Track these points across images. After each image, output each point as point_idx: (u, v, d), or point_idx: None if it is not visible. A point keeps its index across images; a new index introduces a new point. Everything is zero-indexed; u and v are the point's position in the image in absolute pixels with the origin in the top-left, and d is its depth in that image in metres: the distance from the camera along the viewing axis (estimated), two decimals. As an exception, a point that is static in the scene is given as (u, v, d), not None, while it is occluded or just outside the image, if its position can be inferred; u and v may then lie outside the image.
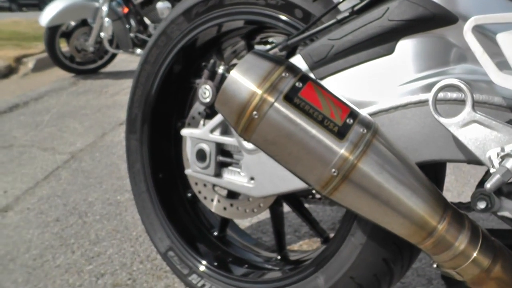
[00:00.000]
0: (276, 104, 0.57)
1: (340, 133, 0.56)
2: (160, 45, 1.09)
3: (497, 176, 0.53)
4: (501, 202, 0.64)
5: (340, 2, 0.75)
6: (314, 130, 0.56)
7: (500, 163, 0.54)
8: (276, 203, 0.98)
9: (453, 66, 0.65)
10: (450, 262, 0.60)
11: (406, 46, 0.67)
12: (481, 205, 0.63)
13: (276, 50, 0.78)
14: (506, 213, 0.64)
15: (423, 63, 0.66)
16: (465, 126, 0.58)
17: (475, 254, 0.60)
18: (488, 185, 0.53)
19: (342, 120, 0.56)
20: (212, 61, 0.94)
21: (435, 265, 0.64)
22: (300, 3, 0.85)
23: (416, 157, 0.65)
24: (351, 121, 0.57)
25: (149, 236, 1.17)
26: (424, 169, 0.64)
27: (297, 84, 0.58)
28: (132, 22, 4.16)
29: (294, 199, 1.00)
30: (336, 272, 0.80)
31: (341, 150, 0.56)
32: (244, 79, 0.60)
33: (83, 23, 4.26)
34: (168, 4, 3.81)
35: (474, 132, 0.58)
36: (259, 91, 0.58)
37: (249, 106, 0.58)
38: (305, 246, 1.34)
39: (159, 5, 3.88)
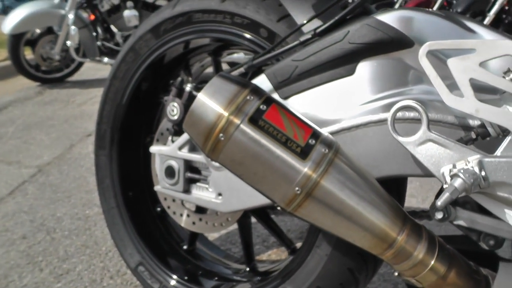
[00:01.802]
0: (241, 127, 0.60)
1: (303, 153, 0.59)
2: (129, 61, 1.10)
3: (446, 194, 0.56)
4: (457, 212, 0.68)
5: (304, 24, 0.78)
6: (278, 151, 0.59)
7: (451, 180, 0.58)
8: (243, 215, 0.99)
9: (411, 87, 0.69)
10: (410, 271, 0.64)
11: (366, 68, 0.70)
12: (439, 215, 0.67)
13: (241, 69, 0.81)
14: (461, 222, 0.68)
15: (383, 84, 0.69)
16: (421, 145, 0.62)
17: (432, 263, 0.63)
18: (439, 202, 0.57)
19: (305, 141, 0.59)
20: (179, 78, 0.96)
21: (396, 274, 0.68)
22: (265, 23, 0.88)
23: (377, 173, 0.69)
24: (314, 141, 0.60)
25: (119, 252, 1.17)
26: (386, 183, 0.68)
27: (261, 106, 0.61)
28: (99, 30, 4.12)
29: (261, 211, 1.02)
30: (303, 282, 0.83)
31: (304, 169, 0.59)
32: (210, 102, 0.63)
33: (49, 30, 4.18)
34: (135, 13, 3.79)
35: (429, 150, 0.61)
36: (225, 114, 0.61)
37: (215, 128, 0.61)
38: (273, 256, 1.36)
39: (126, 13, 3.85)
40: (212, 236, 1.44)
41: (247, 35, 0.90)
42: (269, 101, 0.62)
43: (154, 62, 1.06)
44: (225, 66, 1.24)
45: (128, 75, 1.10)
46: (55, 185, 1.98)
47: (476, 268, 0.68)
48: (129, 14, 3.89)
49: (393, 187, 0.78)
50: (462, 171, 0.56)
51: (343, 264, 0.80)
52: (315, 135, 0.61)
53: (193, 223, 0.99)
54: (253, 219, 1.09)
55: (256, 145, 0.60)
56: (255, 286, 0.95)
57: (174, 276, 1.06)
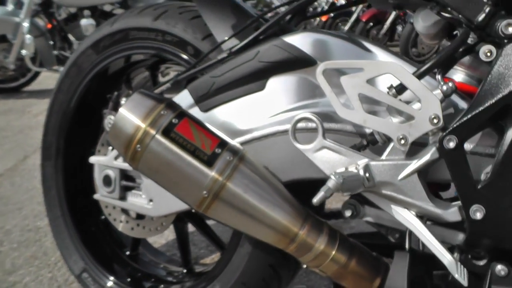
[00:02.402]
0: (155, 138, 0.68)
1: (209, 161, 0.68)
2: (72, 76, 1.17)
3: (321, 193, 0.65)
4: (365, 210, 0.78)
5: (222, 42, 0.87)
6: (187, 159, 0.68)
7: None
8: (179, 220, 1.08)
9: (316, 100, 0.78)
10: (313, 262, 0.74)
11: (275, 84, 0.79)
12: (348, 213, 0.77)
13: (168, 85, 0.89)
14: (369, 219, 0.78)
15: (290, 98, 0.78)
16: (317, 151, 0.71)
17: (333, 253, 0.73)
18: (315, 200, 0.66)
19: (211, 150, 0.68)
20: (115, 93, 1.03)
21: (304, 266, 0.77)
22: (191, 41, 0.97)
23: (285, 176, 0.78)
24: (220, 150, 0.69)
25: (64, 260, 1.22)
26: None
27: (173, 120, 0.70)
28: (56, 38, 4.11)
29: (195, 215, 1.10)
30: (229, 280, 0.91)
31: (210, 175, 0.68)
32: (130, 116, 0.71)
33: (3, 38, 4.09)
34: (92, 21, 3.80)
35: (324, 156, 0.71)
36: (142, 126, 0.69)
37: (134, 140, 0.69)
38: (216, 259, 1.44)
39: (83, 22, 3.85)
40: (159, 242, 1.51)
41: (177, 52, 0.99)
42: (181, 115, 0.71)
43: (96, 76, 1.14)
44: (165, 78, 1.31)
45: (71, 89, 1.16)
46: (6, 197, 2.00)
47: (377, 257, 0.78)
48: (86, 23, 3.89)
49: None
50: (343, 173, 0.65)
51: (265, 261, 0.88)
52: (222, 144, 0.70)
53: (132, 228, 1.06)
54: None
55: (169, 154, 0.68)
56: (188, 286, 1.03)
57: (115, 280, 1.12)
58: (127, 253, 1.20)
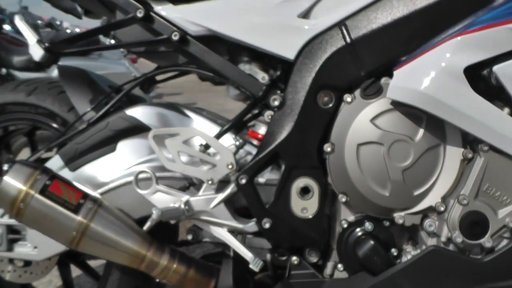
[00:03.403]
0: (35, 197, 1.09)
1: (75, 210, 1.10)
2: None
3: (149, 223, 1.12)
4: (202, 233, 1.24)
5: (84, 114, 1.30)
6: (60, 210, 1.09)
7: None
8: (63, 265, 1.50)
9: (153, 156, 1.23)
10: (160, 275, 1.17)
11: (123, 146, 1.24)
12: (190, 237, 1.23)
13: (42, 151, 1.31)
14: (206, 239, 1.25)
15: (134, 156, 1.24)
16: (153, 194, 1.16)
17: (174, 266, 1.17)
18: (144, 227, 1.11)
19: (76, 201, 1.11)
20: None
21: (157, 280, 1.22)
22: (59, 113, 1.40)
23: (136, 214, 1.22)
24: (83, 200, 1.11)
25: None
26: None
27: (47, 182, 1.11)
28: None
29: (76, 256, 1.51)
30: (106, 302, 1.34)
31: (77, 219, 1.10)
32: (13, 182, 1.12)
33: None
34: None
35: (159, 197, 1.16)
36: (24, 189, 1.10)
37: (17, 200, 1.10)
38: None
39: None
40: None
41: (48, 122, 1.43)
42: (53, 177, 1.13)
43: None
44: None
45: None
46: None
47: (210, 265, 1.24)
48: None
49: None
50: (163, 208, 1.11)
51: (131, 283, 1.32)
52: (84, 196, 1.13)
53: (20, 276, 1.44)
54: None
55: (45, 208, 1.09)
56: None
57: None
58: None
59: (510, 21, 0.93)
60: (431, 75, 0.96)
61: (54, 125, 1.42)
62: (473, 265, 1.04)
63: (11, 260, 1.41)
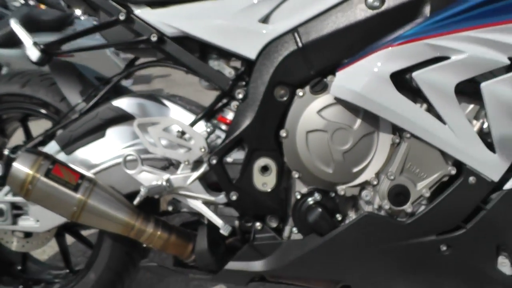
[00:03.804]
0: (40, 179, 1.39)
1: (75, 189, 1.40)
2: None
3: (138, 198, 1.43)
4: (181, 205, 1.56)
5: (76, 105, 1.59)
6: (62, 190, 1.39)
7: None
8: (59, 235, 1.82)
9: (139, 140, 1.53)
10: (147, 240, 1.48)
11: (112, 132, 1.54)
12: (170, 208, 1.56)
13: (40, 138, 1.60)
14: (184, 209, 1.57)
15: (122, 141, 1.54)
16: (139, 174, 1.47)
17: (158, 233, 1.49)
18: (135, 202, 1.43)
19: (75, 181, 1.41)
20: (-1, 144, 1.72)
21: (144, 245, 1.54)
22: (52, 102, 1.68)
23: (124, 190, 1.52)
24: (81, 181, 1.41)
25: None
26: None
27: (50, 166, 1.40)
28: None
29: (71, 227, 1.83)
30: (99, 267, 1.66)
31: (77, 197, 1.40)
32: (21, 167, 1.41)
33: None
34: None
35: (144, 176, 1.47)
36: (31, 173, 1.40)
37: (25, 182, 1.39)
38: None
39: None
40: (43, 258, 2.20)
41: (42, 110, 1.72)
42: (54, 162, 1.42)
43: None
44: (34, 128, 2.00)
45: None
46: None
47: (188, 232, 1.55)
48: None
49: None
50: (148, 186, 1.42)
51: (121, 249, 1.64)
52: (82, 177, 1.42)
53: (23, 246, 1.75)
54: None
55: (50, 188, 1.39)
56: (69, 280, 1.77)
57: (11, 290, 1.83)
58: (18, 268, 1.90)
59: (426, 37, 1.23)
60: (365, 78, 1.26)
61: (48, 114, 1.71)
62: (398, 226, 1.37)
63: (14, 233, 1.73)
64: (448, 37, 1.23)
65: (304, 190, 1.46)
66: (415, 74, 1.25)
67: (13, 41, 3.99)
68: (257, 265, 1.50)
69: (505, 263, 1.45)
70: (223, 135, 1.50)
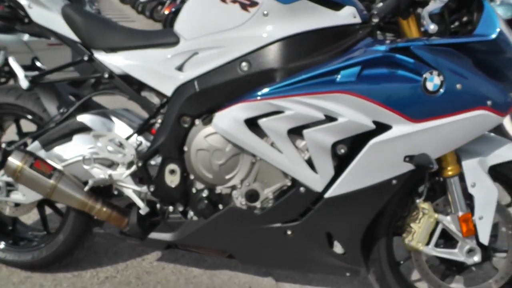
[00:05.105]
0: (26, 169, 2.54)
1: (49, 176, 2.54)
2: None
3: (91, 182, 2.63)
4: (122, 191, 2.77)
5: (55, 117, 2.78)
6: (40, 176, 2.53)
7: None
8: (40, 206, 3.03)
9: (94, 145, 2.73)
10: (96, 214, 2.63)
11: (77, 138, 2.67)
12: (115, 192, 2.76)
13: (27, 138, 2.80)
14: (124, 195, 2.77)
15: (84, 144, 2.70)
16: (93, 169, 2.61)
17: (104, 210, 2.64)
18: (88, 185, 2.63)
19: (49, 172, 2.54)
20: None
21: (95, 217, 2.75)
22: (37, 112, 2.78)
23: (83, 179, 2.67)
24: (53, 172, 2.55)
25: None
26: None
27: (33, 161, 2.53)
28: None
29: (49, 201, 3.03)
30: (67, 230, 2.89)
31: (50, 182, 2.55)
32: (14, 161, 2.56)
33: None
34: None
35: (96, 170, 2.65)
36: (20, 165, 2.57)
37: (16, 171, 2.54)
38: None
39: None
40: (28, 222, 3.44)
41: (29, 117, 2.87)
42: (35, 158, 2.56)
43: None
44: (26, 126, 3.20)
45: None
46: None
47: (124, 210, 2.69)
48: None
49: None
50: (93, 179, 2.62)
51: (82, 219, 2.83)
52: (54, 169, 2.55)
53: (13, 212, 2.92)
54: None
55: (32, 175, 2.54)
56: (45, 239, 3.01)
57: (4, 243, 3.05)
58: (9, 228, 3.11)
59: (269, 98, 2.27)
60: (228, 121, 2.31)
61: (34, 119, 2.89)
62: (252, 216, 2.46)
63: (7, 202, 2.97)
64: (284, 99, 2.25)
65: (200, 187, 2.58)
66: (260, 122, 2.29)
67: (9, 27, 5.25)
68: (169, 236, 2.64)
69: (336, 245, 2.60)
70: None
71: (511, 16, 6.68)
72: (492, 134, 2.64)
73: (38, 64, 6.09)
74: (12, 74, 6.64)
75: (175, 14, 14.71)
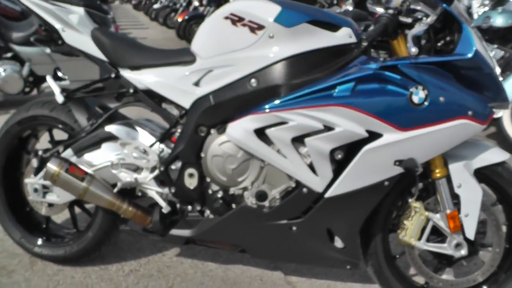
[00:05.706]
0: (62, 174, 2.88)
1: (82, 180, 2.88)
2: (5, 136, 3.39)
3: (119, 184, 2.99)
4: (147, 192, 3.14)
5: (84, 128, 3.14)
6: (73, 180, 2.87)
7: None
8: (71, 207, 3.39)
9: (123, 152, 3.09)
10: (123, 213, 2.97)
11: (105, 146, 3.01)
12: (139, 194, 3.12)
13: (60, 146, 3.15)
14: (148, 196, 3.13)
15: (111, 151, 3.07)
16: (120, 173, 3.00)
17: (130, 209, 2.97)
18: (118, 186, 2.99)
19: (82, 176, 2.90)
20: (35, 147, 3.31)
21: (122, 216, 3.10)
22: (69, 123, 3.13)
23: (112, 181, 3.03)
24: (85, 176, 2.88)
25: (4, 229, 3.48)
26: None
27: (68, 166, 2.87)
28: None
29: (78, 202, 3.37)
30: (96, 228, 3.22)
31: (83, 185, 2.89)
32: (52, 166, 2.90)
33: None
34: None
35: (123, 174, 3.01)
36: (57, 170, 2.91)
37: (54, 175, 2.88)
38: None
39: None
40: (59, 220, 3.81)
41: (63, 128, 3.21)
42: (70, 163, 2.90)
43: (21, 137, 3.42)
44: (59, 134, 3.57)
45: (5, 143, 3.42)
46: None
47: (148, 209, 3.03)
48: None
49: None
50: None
51: (110, 218, 3.15)
52: (86, 173, 2.90)
53: (47, 212, 3.25)
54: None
55: (67, 179, 2.87)
56: (75, 236, 3.37)
57: (40, 240, 3.42)
58: (43, 226, 3.46)
59: (275, 111, 2.60)
60: (240, 131, 2.65)
61: (66, 130, 3.24)
62: (261, 213, 2.77)
63: (42, 203, 3.33)
64: (288, 111, 2.57)
65: (215, 188, 2.91)
66: (267, 131, 2.63)
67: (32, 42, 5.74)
68: (188, 232, 2.97)
69: (337, 240, 2.94)
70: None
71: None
72: (478, 139, 2.95)
73: (59, 74, 6.55)
74: (35, 84, 7.10)
75: (188, 21, 15.31)
